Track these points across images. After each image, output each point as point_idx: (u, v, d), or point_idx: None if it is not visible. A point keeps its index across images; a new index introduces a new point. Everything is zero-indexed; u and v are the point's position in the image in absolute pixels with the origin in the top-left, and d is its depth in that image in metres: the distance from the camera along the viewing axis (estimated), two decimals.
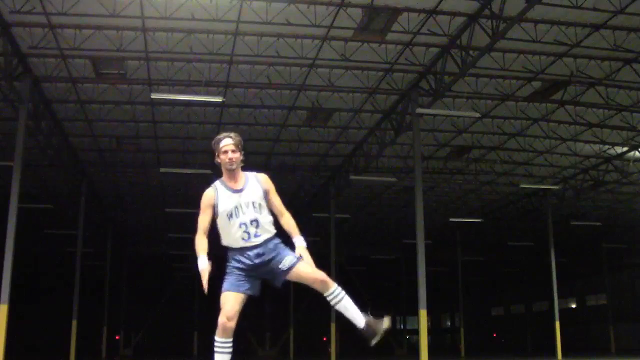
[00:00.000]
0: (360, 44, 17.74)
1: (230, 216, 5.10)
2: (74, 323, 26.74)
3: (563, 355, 30.68)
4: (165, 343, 52.86)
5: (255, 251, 5.07)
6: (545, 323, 43.21)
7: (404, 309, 54.33)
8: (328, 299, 5.06)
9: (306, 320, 45.71)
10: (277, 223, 5.30)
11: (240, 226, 5.07)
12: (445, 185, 32.08)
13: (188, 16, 16.00)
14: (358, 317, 5.15)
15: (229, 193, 5.16)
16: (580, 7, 15.54)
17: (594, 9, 15.88)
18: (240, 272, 5.09)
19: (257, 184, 5.22)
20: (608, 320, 45.98)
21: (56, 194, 30.90)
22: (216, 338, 5.07)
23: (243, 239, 5.08)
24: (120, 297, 45.53)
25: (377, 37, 17.29)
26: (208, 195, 5.22)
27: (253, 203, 5.12)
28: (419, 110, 19.89)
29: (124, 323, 46.04)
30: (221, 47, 17.54)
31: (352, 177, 27.03)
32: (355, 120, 23.28)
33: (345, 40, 17.52)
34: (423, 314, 18.48)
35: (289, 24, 16.36)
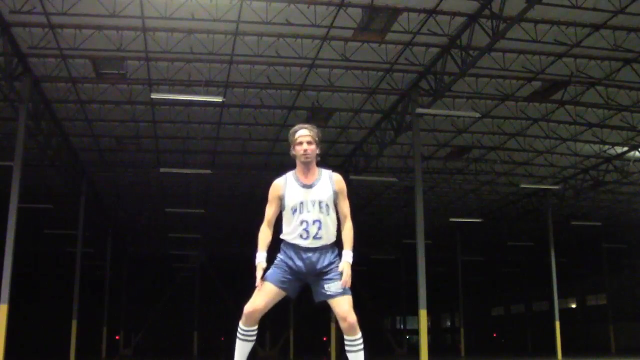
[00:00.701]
0: (360, 44, 17.73)
1: (294, 211, 4.85)
2: (74, 323, 26.75)
3: (563, 355, 30.68)
4: (165, 343, 52.91)
5: (310, 254, 4.85)
6: (545, 323, 43.26)
7: (404, 309, 54.34)
8: (347, 343, 4.91)
9: (306, 320, 45.74)
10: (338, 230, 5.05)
11: (301, 223, 4.83)
12: (445, 185, 32.08)
13: (188, 16, 16.00)
14: None
15: (298, 186, 4.91)
16: (580, 7, 15.54)
17: (594, 9, 15.88)
18: (287, 268, 4.87)
19: (329, 183, 4.96)
20: (608, 320, 45.97)
21: (56, 194, 30.89)
22: (240, 325, 4.89)
23: (302, 236, 4.84)
24: (120, 297, 45.53)
25: (377, 37, 17.28)
26: (277, 186, 4.95)
27: (320, 202, 4.87)
28: (419, 110, 19.89)
29: (124, 323, 46.05)
30: (221, 47, 17.54)
31: (352, 177, 27.02)
32: (355, 120, 23.29)
33: (345, 40, 17.52)
34: (423, 314, 18.48)
35: (289, 24, 16.36)
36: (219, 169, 27.37)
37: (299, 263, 4.84)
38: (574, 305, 55.72)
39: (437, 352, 45.95)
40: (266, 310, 4.86)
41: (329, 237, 4.89)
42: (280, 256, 4.92)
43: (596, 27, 16.87)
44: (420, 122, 20.78)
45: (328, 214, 4.88)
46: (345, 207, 5.00)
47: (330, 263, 4.86)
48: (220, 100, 19.40)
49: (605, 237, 43.73)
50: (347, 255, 4.83)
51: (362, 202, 34.99)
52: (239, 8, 15.75)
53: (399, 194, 33.24)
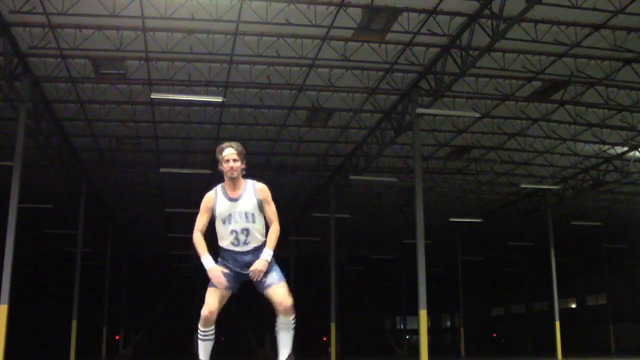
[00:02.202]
0: (360, 44, 17.74)
1: (224, 222, 5.47)
2: (74, 323, 26.74)
3: (563, 355, 30.68)
4: (165, 343, 52.91)
5: (243, 257, 5.48)
6: (545, 323, 43.25)
7: (404, 309, 54.34)
8: (281, 323, 5.49)
9: (306, 320, 45.71)
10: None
11: (231, 232, 5.46)
12: (445, 185, 32.09)
13: (188, 16, 16.00)
14: (284, 351, 5.52)
15: (226, 200, 5.49)
16: (580, 7, 15.54)
17: (594, 9, 15.88)
18: (227, 271, 5.47)
19: (253, 194, 5.52)
20: (608, 320, 45.96)
21: (56, 194, 30.90)
22: (200, 327, 5.52)
23: (233, 244, 5.48)
24: (120, 297, 45.51)
25: (377, 37, 17.29)
26: (208, 198, 5.56)
27: (246, 213, 5.46)
28: (419, 110, 19.88)
29: (124, 323, 46.01)
30: (221, 47, 17.54)
31: (352, 177, 27.02)
32: (355, 120, 23.29)
33: (345, 40, 17.52)
34: (423, 314, 18.48)
35: (289, 24, 16.36)
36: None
37: (236, 265, 5.50)
38: (574, 305, 55.71)
39: (437, 352, 45.95)
40: (218, 311, 5.48)
41: (257, 240, 5.51)
42: (219, 262, 5.54)
43: (596, 27, 16.87)
44: (420, 122, 20.77)
45: (254, 222, 5.49)
46: (270, 212, 5.56)
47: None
48: (220, 100, 19.40)
49: (605, 237, 43.71)
50: (266, 253, 5.44)
51: (362, 202, 35.00)
52: (239, 8, 15.76)
53: (399, 194, 33.24)
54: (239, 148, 5.53)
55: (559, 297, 32.87)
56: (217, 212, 5.47)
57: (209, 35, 17.16)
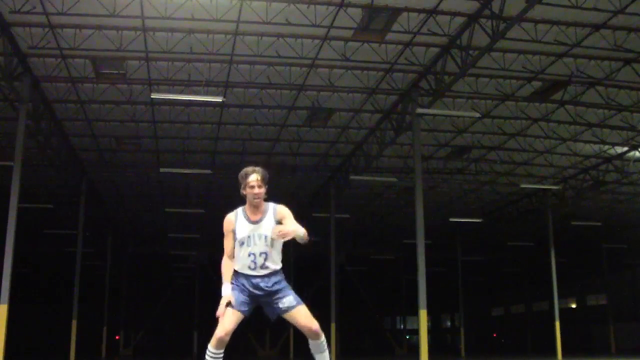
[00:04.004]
0: (360, 44, 17.73)
1: (242, 244, 5.47)
2: (74, 323, 26.74)
3: (563, 355, 30.67)
4: (165, 343, 52.91)
5: (259, 281, 5.44)
6: (545, 323, 43.25)
7: (404, 309, 54.34)
8: (311, 346, 5.49)
9: None
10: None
11: (249, 255, 5.44)
12: (445, 185, 32.09)
13: (188, 16, 16.00)
14: None
15: (246, 222, 5.51)
16: (580, 7, 15.54)
17: (594, 9, 15.87)
18: (242, 293, 5.44)
19: (272, 217, 5.52)
20: (608, 320, 45.97)
21: (56, 194, 30.89)
22: (210, 348, 5.39)
23: (250, 267, 5.45)
24: (120, 297, 45.52)
25: (377, 37, 17.28)
26: (228, 221, 5.59)
27: (265, 237, 5.45)
28: (419, 110, 19.88)
29: (124, 323, 46.03)
30: (221, 47, 17.54)
31: (352, 177, 27.02)
32: (355, 120, 23.28)
33: (345, 40, 17.52)
34: (423, 314, 18.47)
35: (289, 24, 16.36)
36: (219, 169, 27.37)
37: (251, 288, 5.45)
38: (574, 305, 55.72)
39: (437, 352, 45.96)
40: (232, 332, 5.40)
41: (274, 265, 5.49)
42: (235, 282, 5.50)
43: (596, 27, 16.87)
44: (420, 122, 20.77)
45: (273, 246, 5.48)
46: (290, 224, 5.47)
47: (275, 283, 5.48)
48: (220, 100, 19.41)
49: (605, 237, 43.70)
50: (300, 229, 5.33)
51: (362, 202, 35.00)
52: (239, 8, 15.75)
53: (399, 194, 33.24)
54: (264, 174, 5.54)
55: (559, 297, 32.86)
56: (237, 235, 5.49)
57: (209, 35, 17.16)
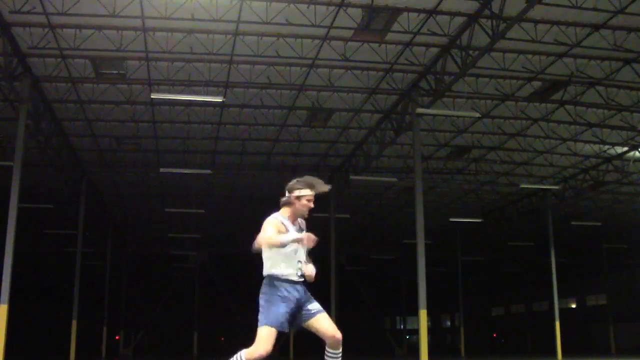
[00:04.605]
0: (360, 44, 17.73)
1: (295, 252, 5.42)
2: (74, 323, 26.74)
3: (563, 355, 30.67)
4: (165, 343, 52.93)
5: (300, 287, 5.45)
6: (545, 323, 43.25)
7: (404, 309, 54.33)
8: (329, 353, 5.46)
9: None
10: None
11: (298, 263, 5.45)
12: (445, 185, 32.08)
13: (188, 16, 15.99)
14: None
15: (296, 230, 5.50)
16: (580, 7, 15.54)
17: (594, 9, 15.87)
18: (286, 305, 5.32)
19: (304, 228, 5.64)
20: (608, 320, 45.97)
21: (56, 194, 30.88)
22: (243, 356, 5.25)
23: (297, 274, 5.44)
24: (120, 297, 45.52)
25: (377, 37, 17.28)
26: (278, 222, 5.42)
27: (307, 247, 5.52)
28: (419, 110, 19.88)
29: (124, 323, 46.03)
30: (221, 47, 17.54)
31: (352, 177, 27.02)
32: (355, 120, 23.28)
33: (345, 40, 17.51)
34: (423, 314, 18.48)
35: (289, 24, 16.36)
36: (219, 169, 27.37)
37: (296, 295, 5.40)
38: (574, 305, 55.72)
39: (437, 352, 45.95)
40: None
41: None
42: (277, 294, 5.34)
43: (596, 27, 16.86)
44: (420, 122, 20.78)
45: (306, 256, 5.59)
46: None
47: (305, 290, 5.54)
48: (220, 100, 19.40)
49: (605, 237, 43.71)
50: (311, 266, 5.56)
51: (362, 202, 35.00)
52: (239, 8, 15.75)
53: (399, 194, 33.24)
54: (316, 191, 5.56)
55: (559, 297, 32.87)
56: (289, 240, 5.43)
57: (209, 35, 17.16)
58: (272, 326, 5.21)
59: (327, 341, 5.40)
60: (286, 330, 5.32)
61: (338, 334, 5.38)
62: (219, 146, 25.80)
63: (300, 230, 5.56)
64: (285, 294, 5.32)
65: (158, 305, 47.50)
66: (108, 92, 20.59)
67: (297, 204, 5.47)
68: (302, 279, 5.49)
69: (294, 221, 5.53)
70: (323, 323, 5.37)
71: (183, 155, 26.54)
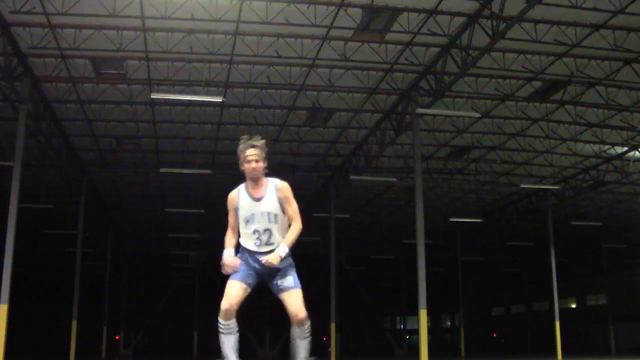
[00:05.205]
0: (360, 44, 17.74)
1: (247, 222, 5.39)
2: (74, 323, 26.73)
3: (563, 355, 30.67)
4: (165, 343, 52.87)
5: (262, 257, 5.32)
6: (545, 323, 43.22)
7: (404, 309, 54.32)
8: (293, 332, 5.37)
9: None
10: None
11: (254, 232, 5.38)
12: (445, 185, 32.08)
13: (188, 16, 16.00)
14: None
15: (249, 200, 5.41)
16: (580, 7, 15.54)
17: (594, 9, 15.88)
18: (247, 267, 5.38)
19: (274, 194, 5.42)
20: (608, 320, 45.96)
21: (56, 194, 30.89)
22: (220, 320, 5.32)
23: (255, 244, 5.39)
24: (120, 297, 45.51)
25: (377, 37, 17.29)
26: (231, 198, 5.49)
27: (269, 213, 5.36)
28: (419, 110, 19.88)
29: (124, 323, 46.03)
30: (221, 47, 17.54)
31: (352, 177, 27.01)
32: (355, 120, 23.28)
33: (345, 40, 17.52)
34: (423, 314, 18.48)
35: (289, 24, 16.36)
36: (219, 169, 27.37)
37: (255, 265, 5.37)
38: (574, 305, 55.70)
39: (437, 352, 45.96)
40: (239, 304, 5.33)
41: (278, 241, 5.39)
42: (240, 256, 5.45)
43: (596, 27, 16.87)
44: (420, 122, 20.78)
45: (277, 222, 5.40)
46: (290, 210, 5.46)
47: (284, 260, 5.34)
48: (220, 100, 19.41)
49: (605, 237, 43.71)
50: (281, 248, 5.31)
51: (362, 202, 35.00)
52: (239, 8, 15.75)
53: (399, 194, 33.23)
54: (262, 148, 5.44)
55: (559, 297, 32.86)
56: (240, 212, 5.40)
57: (209, 35, 17.16)
58: (232, 279, 5.31)
59: (290, 318, 5.34)
60: (248, 285, 5.31)
61: (301, 314, 5.25)
62: (219, 146, 25.80)
63: (257, 199, 5.35)
64: (243, 259, 5.39)
65: (158, 305, 47.48)
66: (108, 92, 20.59)
67: (244, 167, 5.38)
68: (269, 248, 5.33)
69: (255, 186, 5.39)
70: (289, 300, 5.30)
71: (183, 155, 26.54)
